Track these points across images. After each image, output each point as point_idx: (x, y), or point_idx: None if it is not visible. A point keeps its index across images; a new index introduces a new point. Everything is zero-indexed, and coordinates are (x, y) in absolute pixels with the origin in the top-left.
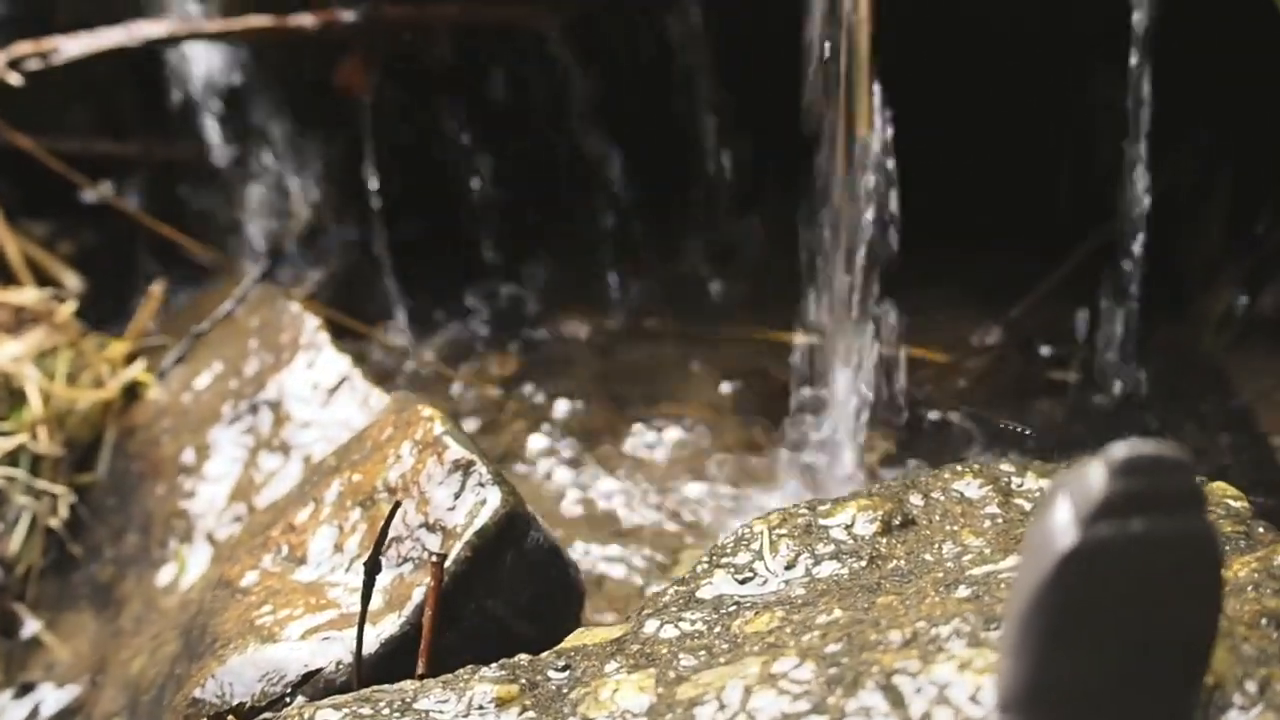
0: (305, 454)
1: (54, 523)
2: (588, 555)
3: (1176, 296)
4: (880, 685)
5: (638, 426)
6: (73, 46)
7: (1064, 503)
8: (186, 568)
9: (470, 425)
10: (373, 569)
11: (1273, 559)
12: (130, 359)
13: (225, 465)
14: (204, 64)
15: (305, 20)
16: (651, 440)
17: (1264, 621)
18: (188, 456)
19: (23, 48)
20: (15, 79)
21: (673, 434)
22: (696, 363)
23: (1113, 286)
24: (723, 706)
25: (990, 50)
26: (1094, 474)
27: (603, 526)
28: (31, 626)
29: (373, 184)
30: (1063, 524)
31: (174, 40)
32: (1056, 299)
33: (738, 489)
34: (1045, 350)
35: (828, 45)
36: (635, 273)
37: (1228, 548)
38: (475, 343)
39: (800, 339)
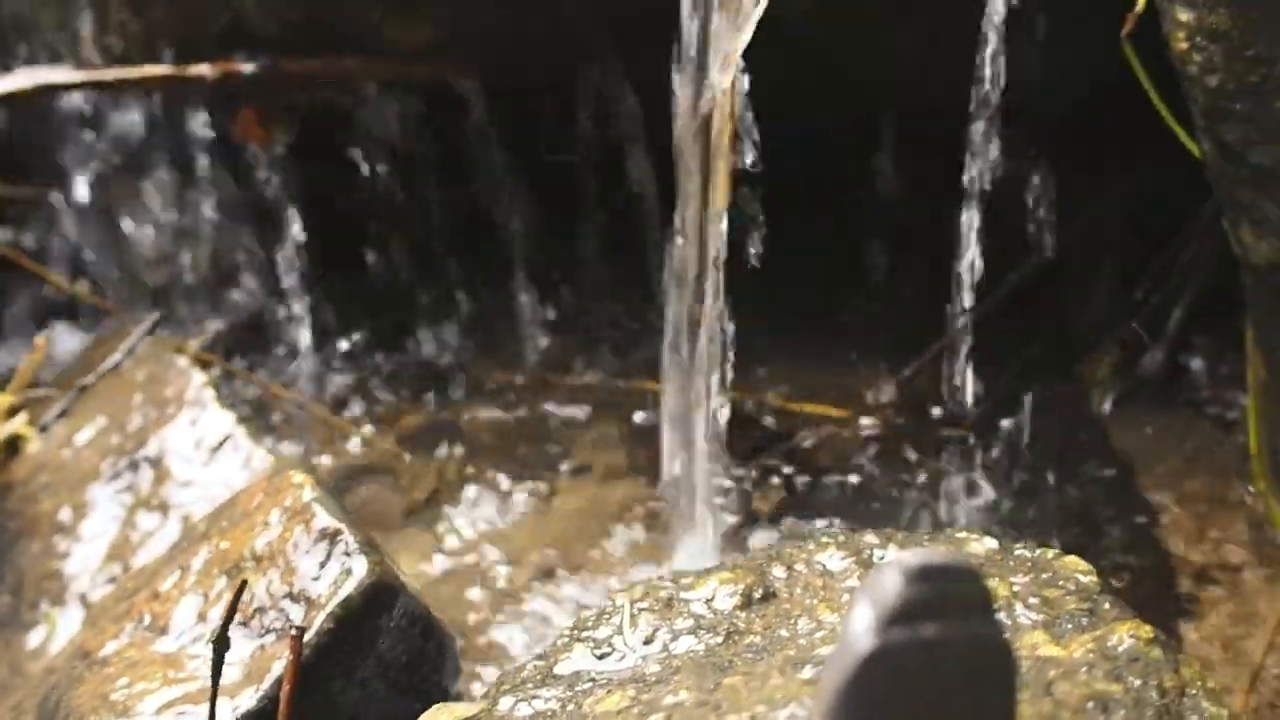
0: (184, 514)
1: None
2: (471, 623)
3: (1066, 358)
4: None
5: (537, 485)
6: None
7: (863, 607)
8: (56, 631)
9: (362, 485)
10: (220, 646)
11: (1109, 638)
12: (13, 412)
13: (102, 524)
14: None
15: (205, 70)
16: (549, 501)
17: (1090, 705)
18: (65, 514)
19: None
20: None
21: (571, 494)
22: (604, 418)
23: (1003, 347)
24: None
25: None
26: (889, 580)
27: (491, 592)
28: None
29: (279, 232)
30: (860, 628)
31: (71, 88)
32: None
33: (629, 552)
34: (938, 409)
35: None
36: (551, 326)
37: (1069, 626)
38: (378, 396)
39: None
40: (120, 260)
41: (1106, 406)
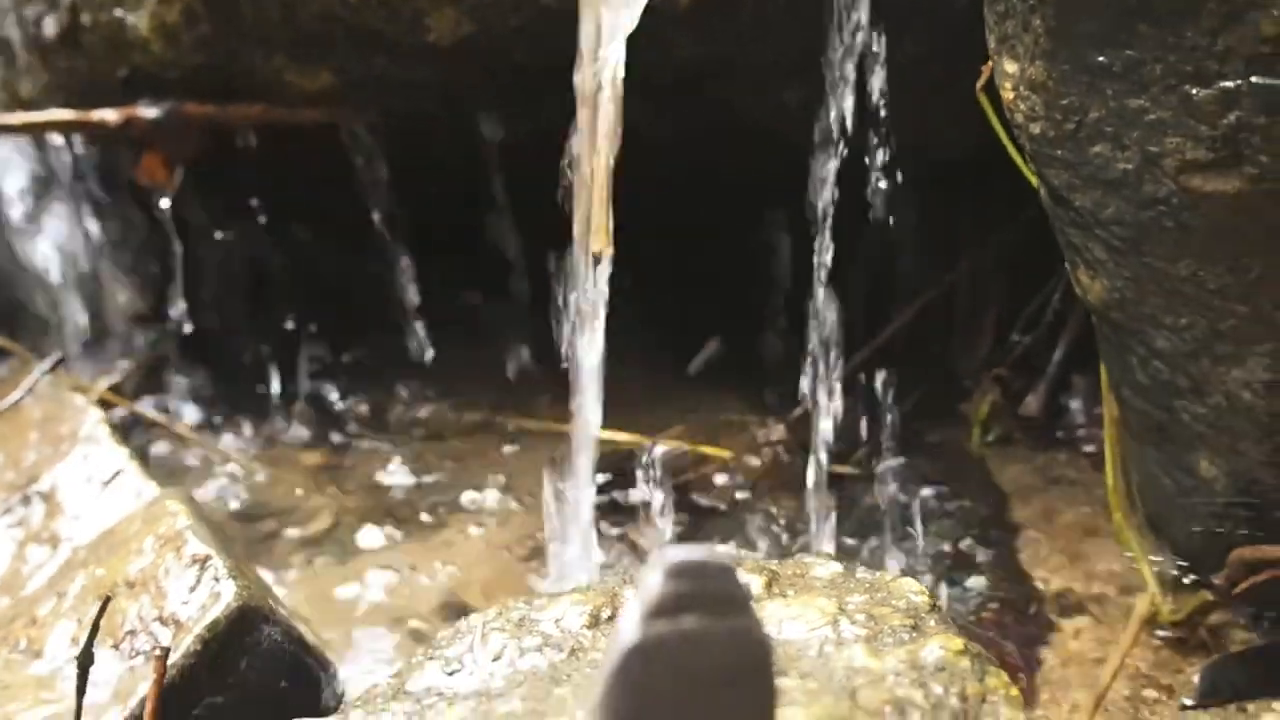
0: (74, 546)
1: None
2: (358, 654)
3: (950, 399)
4: None
5: (438, 517)
6: None
7: (632, 603)
8: None
9: (260, 522)
10: (84, 663)
11: (919, 650)
12: None
13: None
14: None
15: (108, 115)
16: (450, 533)
17: (888, 709)
18: None
19: None
20: None
21: (469, 527)
22: (503, 455)
23: (887, 389)
24: None
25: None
26: (651, 576)
27: (383, 625)
28: None
29: (178, 279)
30: (628, 622)
31: None
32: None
33: (520, 584)
34: (825, 444)
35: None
36: (451, 366)
37: (890, 640)
38: (281, 434)
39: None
40: (28, 302)
41: (987, 445)
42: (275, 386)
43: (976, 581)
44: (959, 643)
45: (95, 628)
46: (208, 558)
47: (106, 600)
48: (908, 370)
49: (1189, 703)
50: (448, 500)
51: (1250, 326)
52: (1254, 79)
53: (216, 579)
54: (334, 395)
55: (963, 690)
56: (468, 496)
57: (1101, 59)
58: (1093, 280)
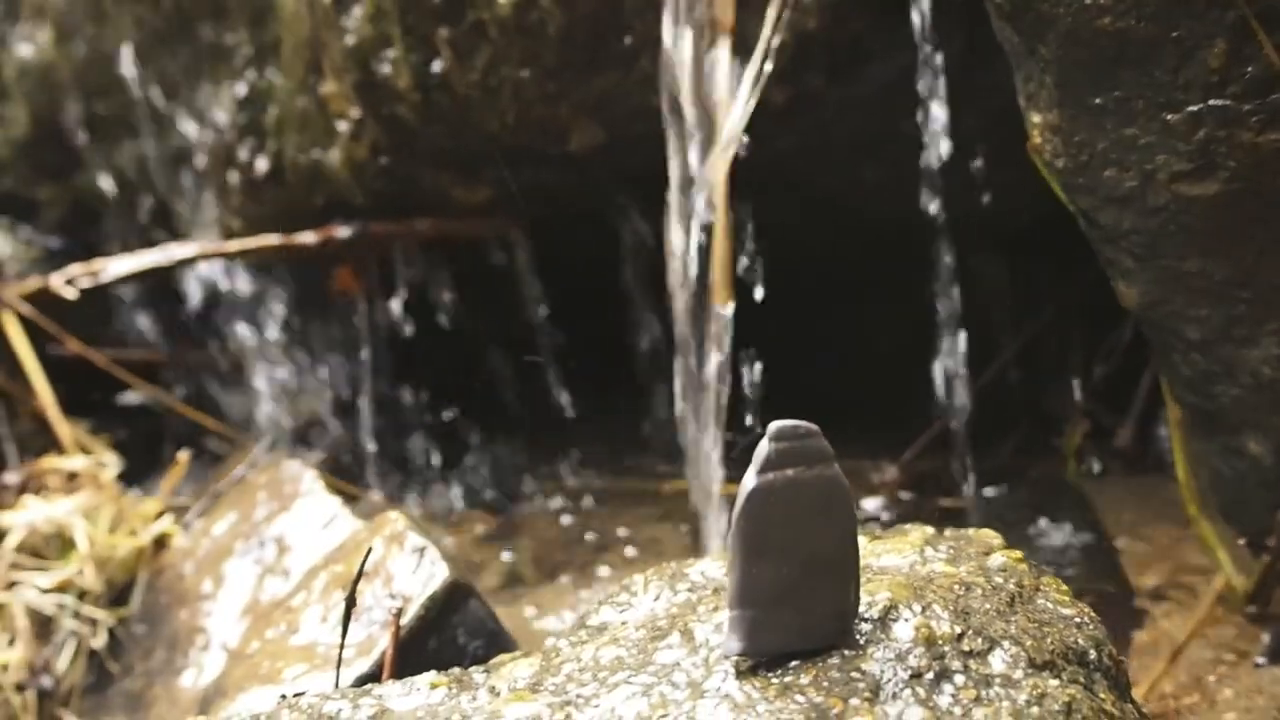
0: (303, 574)
1: (96, 644)
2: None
3: (1045, 435)
4: (680, 630)
5: (586, 568)
6: (117, 267)
7: (752, 462)
8: (204, 671)
9: None
10: (350, 601)
11: (987, 560)
12: (160, 515)
13: (238, 590)
14: (224, 279)
15: (308, 238)
16: (596, 573)
17: (955, 586)
18: (206, 586)
19: (75, 269)
20: (70, 293)
21: (610, 570)
22: (634, 515)
23: (989, 428)
24: (579, 660)
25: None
26: (763, 443)
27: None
28: None
29: (365, 382)
30: (749, 475)
31: (201, 259)
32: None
33: None
34: (935, 485)
35: (690, 234)
36: (588, 449)
37: (965, 560)
38: (450, 510)
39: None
40: (246, 406)
41: (1082, 476)
42: (437, 461)
43: (1074, 581)
44: (1020, 554)
45: (360, 572)
46: (425, 548)
47: (369, 551)
48: (1005, 412)
49: (1261, 660)
50: (596, 553)
51: (1255, 309)
52: (1210, 101)
53: (433, 563)
54: (497, 468)
55: (1019, 581)
56: (612, 548)
57: (1098, 100)
58: (1128, 288)
